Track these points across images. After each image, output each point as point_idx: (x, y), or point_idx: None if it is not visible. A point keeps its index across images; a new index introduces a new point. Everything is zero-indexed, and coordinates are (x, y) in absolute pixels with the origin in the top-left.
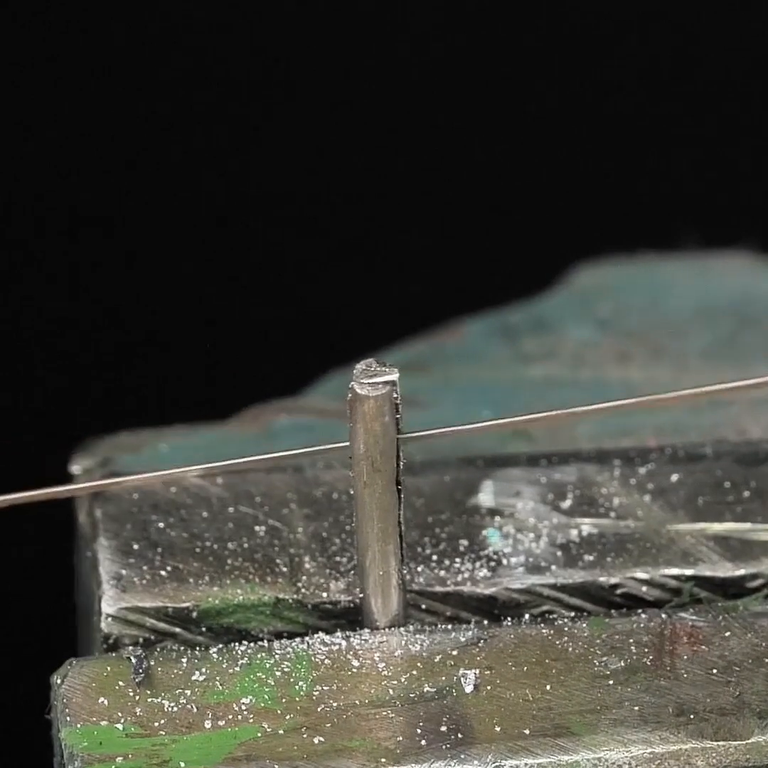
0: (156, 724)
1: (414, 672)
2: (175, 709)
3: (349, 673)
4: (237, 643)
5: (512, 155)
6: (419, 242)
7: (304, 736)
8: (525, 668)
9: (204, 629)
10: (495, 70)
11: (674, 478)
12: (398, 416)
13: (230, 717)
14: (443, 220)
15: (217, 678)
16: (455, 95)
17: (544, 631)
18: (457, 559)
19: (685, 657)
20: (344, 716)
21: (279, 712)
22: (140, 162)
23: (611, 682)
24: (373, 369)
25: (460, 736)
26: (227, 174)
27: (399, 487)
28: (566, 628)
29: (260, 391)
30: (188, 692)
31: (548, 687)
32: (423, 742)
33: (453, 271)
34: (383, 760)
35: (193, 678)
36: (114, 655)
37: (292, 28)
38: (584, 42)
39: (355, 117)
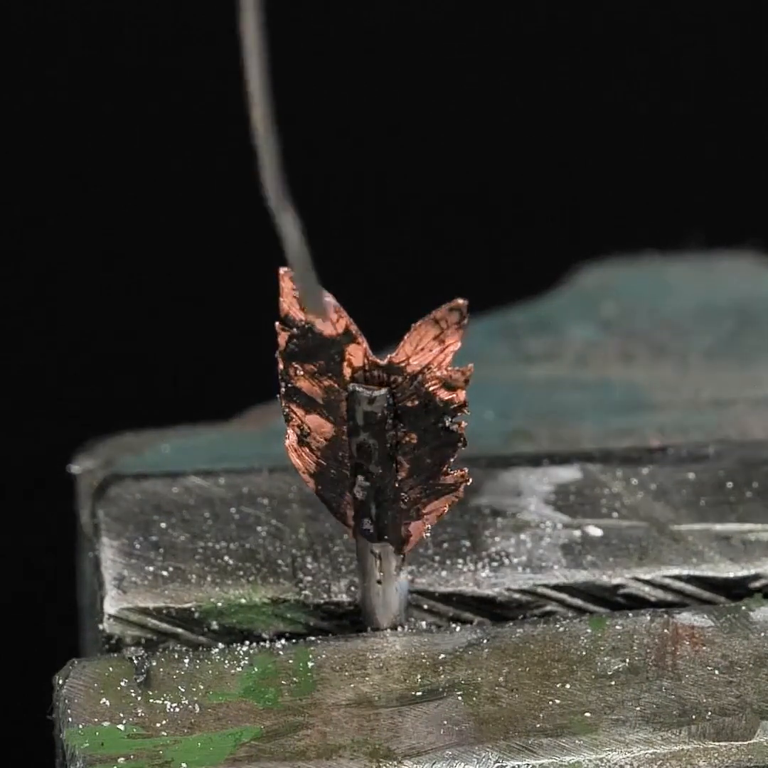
0: (158, 724)
1: (415, 672)
2: (177, 709)
3: (351, 673)
4: (239, 644)
5: (516, 156)
6: (422, 242)
7: (306, 736)
8: (527, 669)
9: (206, 630)
10: (499, 70)
11: (677, 478)
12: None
13: (232, 717)
14: (446, 220)
15: (219, 678)
16: (460, 95)
17: (546, 631)
18: (459, 560)
19: (687, 657)
20: (345, 716)
21: (280, 712)
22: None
23: (613, 682)
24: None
25: (462, 736)
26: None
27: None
28: (568, 629)
29: (262, 391)
30: (190, 693)
31: (550, 687)
32: (425, 742)
33: (456, 271)
34: (385, 760)
35: (195, 678)
36: (116, 655)
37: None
38: (589, 44)
39: (358, 117)
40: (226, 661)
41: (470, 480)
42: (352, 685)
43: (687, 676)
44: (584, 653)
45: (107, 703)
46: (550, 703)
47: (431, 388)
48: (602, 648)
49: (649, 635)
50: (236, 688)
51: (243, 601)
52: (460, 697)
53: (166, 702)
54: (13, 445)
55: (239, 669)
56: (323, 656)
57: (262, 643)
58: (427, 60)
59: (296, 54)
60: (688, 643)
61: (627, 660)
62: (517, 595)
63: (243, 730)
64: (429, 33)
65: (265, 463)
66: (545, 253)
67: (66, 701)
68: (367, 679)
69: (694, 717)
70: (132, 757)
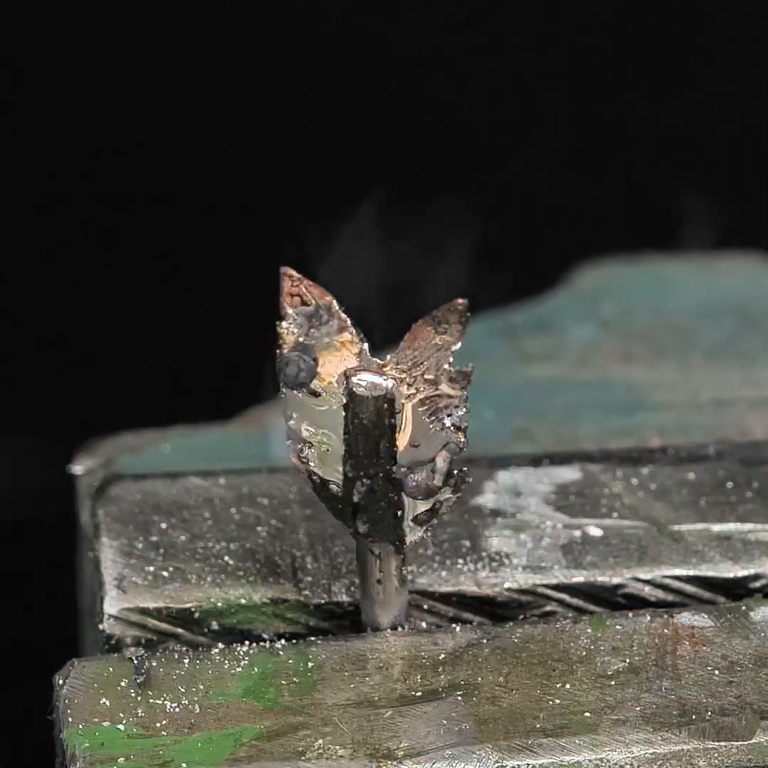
0: (158, 724)
1: (415, 672)
2: (177, 709)
3: (351, 673)
4: (239, 644)
5: (516, 155)
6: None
7: (306, 736)
8: (527, 669)
9: (206, 630)
10: (499, 70)
11: (677, 478)
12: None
13: (232, 718)
14: (445, 219)
15: (219, 678)
16: (462, 95)
17: (546, 631)
18: (459, 560)
19: (687, 657)
20: (345, 716)
21: (280, 712)
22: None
23: (613, 682)
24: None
25: (462, 736)
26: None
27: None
28: (568, 629)
29: (262, 391)
30: (190, 693)
31: (550, 687)
32: (425, 742)
33: (455, 271)
34: (385, 760)
35: (195, 678)
36: (116, 655)
37: None
38: (587, 41)
39: (360, 117)
40: (226, 661)
41: (470, 480)
42: (352, 685)
43: (687, 676)
44: (584, 653)
45: (107, 703)
46: (550, 703)
47: (431, 388)
48: (602, 648)
49: (649, 635)
50: (236, 688)
51: (243, 601)
52: (460, 697)
53: (166, 702)
54: (13, 444)
55: (239, 669)
56: (323, 656)
57: (262, 643)
58: (431, 57)
59: None
60: (688, 643)
61: (627, 660)
62: (517, 595)
63: (243, 730)
64: (433, 37)
65: (265, 463)
66: (545, 253)
67: (66, 701)
68: (367, 679)
69: (694, 717)
70: (132, 757)
